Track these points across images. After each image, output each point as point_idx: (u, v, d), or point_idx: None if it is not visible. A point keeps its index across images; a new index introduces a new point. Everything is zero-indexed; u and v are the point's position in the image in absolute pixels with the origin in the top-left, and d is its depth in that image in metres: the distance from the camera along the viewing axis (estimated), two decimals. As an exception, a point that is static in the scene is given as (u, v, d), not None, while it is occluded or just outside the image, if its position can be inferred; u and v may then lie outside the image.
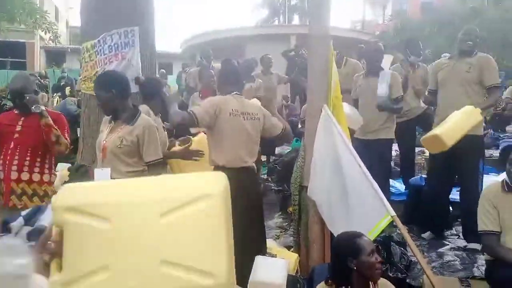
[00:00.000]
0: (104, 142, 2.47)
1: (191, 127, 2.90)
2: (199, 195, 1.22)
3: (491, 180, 4.16)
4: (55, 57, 20.30)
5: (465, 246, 3.15)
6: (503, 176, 4.07)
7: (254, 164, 2.60)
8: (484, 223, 2.29)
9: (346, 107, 3.40)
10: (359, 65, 5.23)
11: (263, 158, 5.40)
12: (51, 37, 11.93)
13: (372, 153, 3.44)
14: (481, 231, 2.32)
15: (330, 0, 2.76)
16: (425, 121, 4.17)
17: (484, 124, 3.82)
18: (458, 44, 3.37)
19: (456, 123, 2.95)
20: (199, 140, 2.97)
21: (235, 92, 2.63)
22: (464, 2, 16.87)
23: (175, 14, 63.17)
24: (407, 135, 4.19)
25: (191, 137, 3.19)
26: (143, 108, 3.03)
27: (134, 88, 4.39)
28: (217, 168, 2.51)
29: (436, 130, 2.98)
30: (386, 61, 5.32)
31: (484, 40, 13.25)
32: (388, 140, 3.75)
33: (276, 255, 2.32)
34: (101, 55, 4.61)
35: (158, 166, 2.47)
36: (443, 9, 16.74)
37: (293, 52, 6.97)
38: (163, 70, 9.55)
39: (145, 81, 3.60)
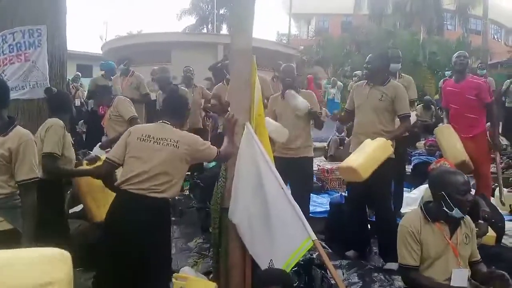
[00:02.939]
0: None
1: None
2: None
3: (405, 197, 4.39)
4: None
5: (383, 266, 3.23)
6: (416, 193, 4.35)
7: (160, 195, 2.37)
8: (405, 257, 2.23)
9: (270, 121, 3.36)
10: (266, 80, 5.12)
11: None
12: None
13: (293, 171, 3.46)
14: (402, 264, 2.27)
15: (253, 14, 2.66)
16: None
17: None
18: (372, 72, 3.52)
19: (372, 157, 3.04)
20: None
21: (161, 121, 2.54)
22: (379, 24, 18.24)
23: (101, 14, 60.05)
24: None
25: (99, 155, 2.95)
26: (52, 120, 2.80)
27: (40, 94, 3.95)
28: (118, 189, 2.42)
29: (352, 162, 3.03)
30: None
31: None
32: (309, 158, 3.83)
33: (186, 293, 2.13)
34: (0, 55, 4.09)
35: (32, 187, 2.11)
36: (361, 29, 17.90)
37: (220, 64, 6.83)
38: (78, 73, 8.87)
39: (56, 94, 3.29)
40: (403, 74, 4.45)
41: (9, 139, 2.07)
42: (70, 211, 3.50)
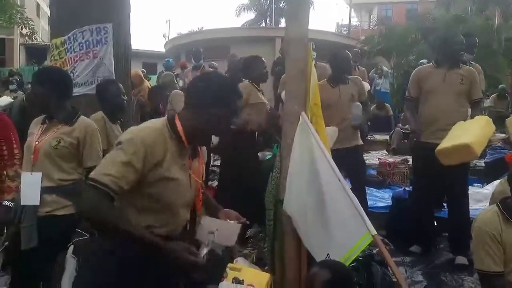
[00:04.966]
0: (37, 143, 2.21)
1: None
2: None
3: (474, 192, 4.06)
4: (35, 54, 19.73)
5: (454, 262, 3.03)
6: (489, 189, 3.99)
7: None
8: (486, 263, 2.02)
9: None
10: (327, 69, 5.02)
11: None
12: (28, 33, 11.55)
13: (348, 161, 3.36)
14: (483, 271, 2.06)
15: (309, 1, 2.58)
16: None
17: None
18: (452, 54, 3.27)
19: (482, 134, 2.87)
20: None
21: None
22: (448, 10, 17.05)
23: (163, 14, 62.80)
24: None
25: None
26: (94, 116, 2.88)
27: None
28: None
29: (464, 139, 2.80)
30: None
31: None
32: (361, 146, 3.77)
33: (243, 280, 2.11)
34: (71, 53, 4.36)
35: None
36: (427, 16, 16.86)
37: (278, 69, 6.75)
38: (143, 70, 9.32)
39: (99, 84, 3.40)
40: (472, 63, 4.11)
41: (76, 128, 2.23)
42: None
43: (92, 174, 1.46)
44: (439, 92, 3.23)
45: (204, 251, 1.50)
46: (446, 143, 2.90)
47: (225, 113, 1.57)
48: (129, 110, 4.19)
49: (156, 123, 1.58)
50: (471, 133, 2.82)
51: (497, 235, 1.99)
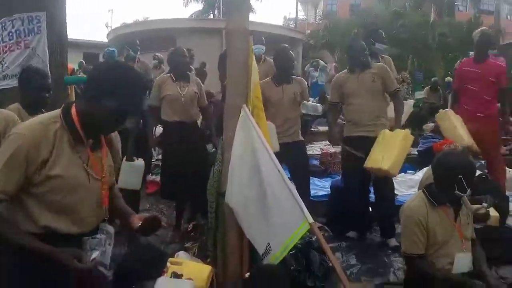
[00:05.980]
0: None
1: None
2: None
3: (407, 179, 4.34)
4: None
5: (386, 244, 3.25)
6: (420, 175, 4.29)
7: None
8: (410, 246, 2.18)
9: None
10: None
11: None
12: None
13: (291, 155, 3.48)
14: (407, 254, 2.23)
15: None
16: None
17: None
18: (357, 58, 3.54)
19: (400, 154, 3.20)
20: None
21: None
22: (388, 6, 17.85)
23: (106, 2, 60.00)
24: None
25: None
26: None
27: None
28: None
29: (383, 164, 3.14)
30: None
31: (405, 42, 14.16)
32: (302, 141, 3.90)
33: (182, 275, 2.11)
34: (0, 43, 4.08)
35: None
36: (369, 11, 17.54)
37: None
38: (82, 61, 8.85)
39: (24, 70, 2.97)
40: (383, 55, 4.41)
41: None
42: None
43: None
44: (356, 94, 3.48)
45: (94, 255, 1.41)
46: (372, 162, 3.23)
47: (116, 107, 1.44)
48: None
49: (46, 116, 1.49)
50: (390, 155, 3.14)
51: (423, 220, 2.14)
